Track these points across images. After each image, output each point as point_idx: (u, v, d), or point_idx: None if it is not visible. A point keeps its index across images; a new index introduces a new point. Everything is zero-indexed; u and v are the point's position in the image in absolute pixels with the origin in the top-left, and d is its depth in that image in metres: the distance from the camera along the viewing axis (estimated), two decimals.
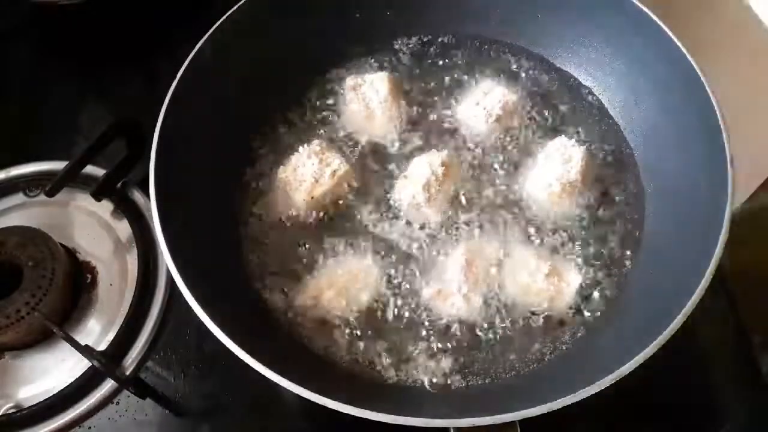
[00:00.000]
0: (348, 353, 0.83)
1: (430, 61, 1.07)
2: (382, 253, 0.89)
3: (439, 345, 0.83)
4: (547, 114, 1.01)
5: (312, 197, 0.91)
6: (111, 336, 0.92)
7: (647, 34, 0.91)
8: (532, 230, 0.90)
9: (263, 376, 0.67)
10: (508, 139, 0.98)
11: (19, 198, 1.05)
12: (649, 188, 0.93)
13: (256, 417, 0.89)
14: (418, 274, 0.87)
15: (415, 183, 0.90)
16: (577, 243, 0.89)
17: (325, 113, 1.02)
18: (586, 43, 1.02)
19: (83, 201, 1.03)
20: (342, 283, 0.85)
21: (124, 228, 1.01)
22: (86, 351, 0.86)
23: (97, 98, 1.24)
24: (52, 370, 0.91)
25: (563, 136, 0.95)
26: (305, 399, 0.66)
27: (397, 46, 1.08)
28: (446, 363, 0.82)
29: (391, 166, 0.96)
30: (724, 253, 0.72)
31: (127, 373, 0.90)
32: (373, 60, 1.07)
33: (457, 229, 0.90)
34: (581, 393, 0.65)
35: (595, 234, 0.90)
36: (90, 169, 1.00)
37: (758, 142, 0.98)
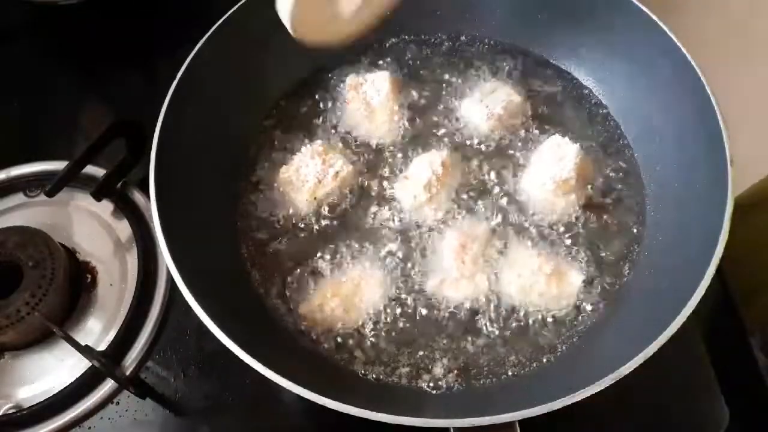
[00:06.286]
0: (348, 353, 0.83)
1: (430, 60, 1.07)
2: (384, 253, 0.89)
3: (440, 345, 0.83)
4: (546, 114, 1.00)
5: (315, 198, 0.91)
6: (111, 336, 0.92)
7: (647, 34, 0.91)
8: (533, 230, 0.90)
9: (263, 376, 0.67)
10: (508, 138, 0.98)
11: (19, 198, 1.05)
12: (649, 188, 0.93)
13: (256, 417, 0.89)
14: (420, 272, 0.87)
15: (416, 183, 0.90)
16: (577, 243, 0.89)
17: (326, 113, 1.02)
18: (586, 43, 1.02)
19: (83, 201, 1.03)
20: (345, 286, 0.85)
21: (124, 228, 1.00)
22: (86, 351, 0.86)
23: (97, 98, 1.24)
24: (52, 370, 0.91)
25: (557, 134, 0.95)
26: (305, 399, 0.66)
27: (398, 46, 1.08)
28: (446, 363, 0.82)
29: (392, 166, 0.96)
30: (723, 252, 0.72)
31: (127, 373, 0.89)
32: (373, 59, 1.07)
33: (457, 227, 0.90)
34: (581, 393, 0.65)
35: (596, 234, 0.90)
36: (90, 169, 1.00)
37: (758, 141, 0.98)
